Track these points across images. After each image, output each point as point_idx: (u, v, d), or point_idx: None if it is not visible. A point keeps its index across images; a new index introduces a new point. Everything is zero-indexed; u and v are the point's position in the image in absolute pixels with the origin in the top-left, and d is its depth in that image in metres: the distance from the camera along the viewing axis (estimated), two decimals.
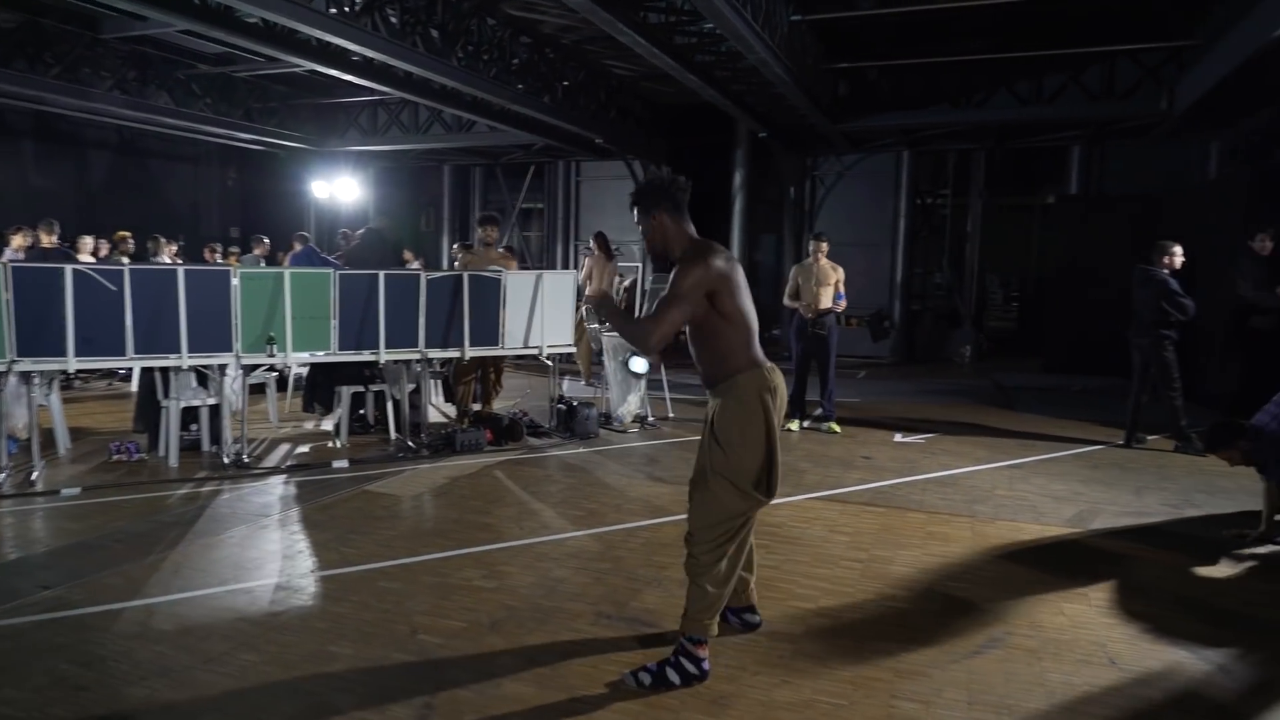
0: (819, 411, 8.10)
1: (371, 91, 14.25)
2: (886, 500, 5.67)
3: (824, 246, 8.02)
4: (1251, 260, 7.65)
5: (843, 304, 7.91)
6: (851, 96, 12.67)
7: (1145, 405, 7.62)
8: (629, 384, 8.07)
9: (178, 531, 4.68)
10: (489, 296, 7.07)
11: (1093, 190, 13.94)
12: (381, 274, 6.55)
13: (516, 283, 7.21)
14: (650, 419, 8.22)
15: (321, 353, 6.48)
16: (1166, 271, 7.17)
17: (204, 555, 4.32)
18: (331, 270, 6.41)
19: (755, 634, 3.54)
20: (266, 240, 12.22)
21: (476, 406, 7.87)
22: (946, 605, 3.91)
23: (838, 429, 8.05)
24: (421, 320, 6.72)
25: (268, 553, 4.40)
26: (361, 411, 7.61)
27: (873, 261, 15.29)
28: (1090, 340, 12.24)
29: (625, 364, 7.90)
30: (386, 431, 7.31)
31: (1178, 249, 7.21)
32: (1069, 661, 3.37)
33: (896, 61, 11.85)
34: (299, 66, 10.82)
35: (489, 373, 7.86)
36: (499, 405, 8.10)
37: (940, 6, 9.50)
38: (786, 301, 8.18)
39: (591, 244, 10.51)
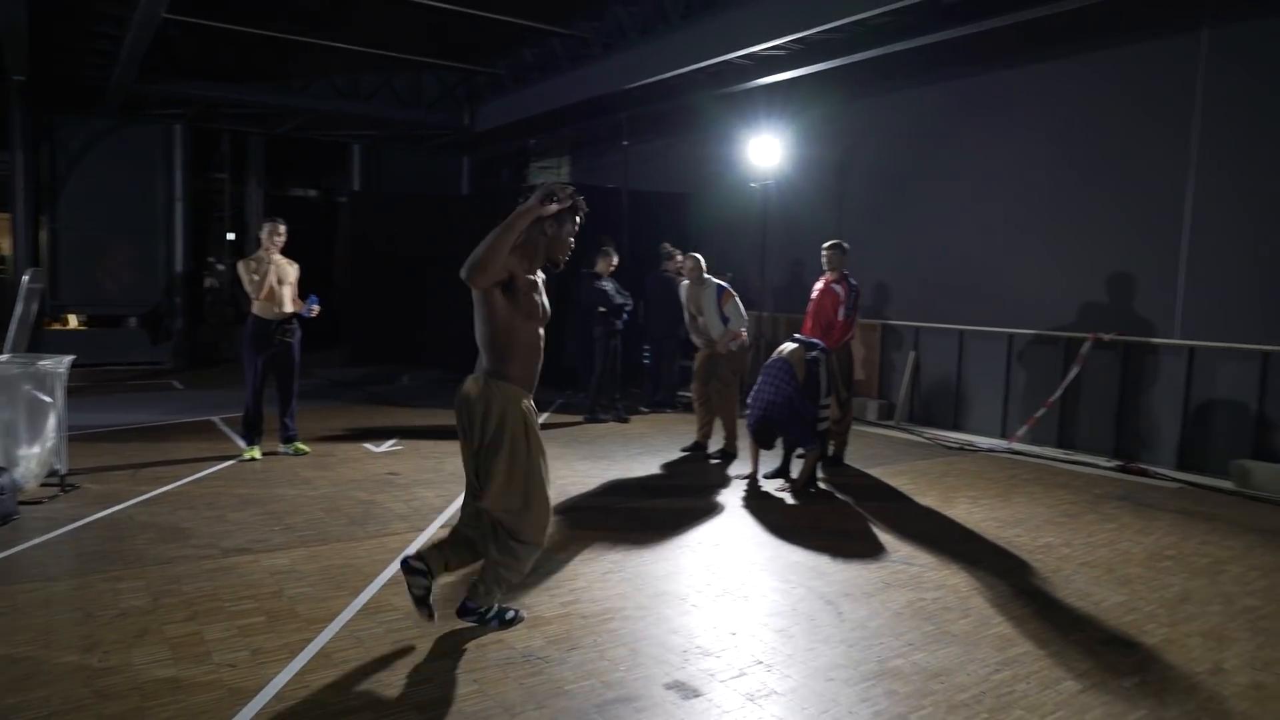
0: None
1: None
2: None
3: (281, 230, 6.79)
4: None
5: (316, 308, 6.82)
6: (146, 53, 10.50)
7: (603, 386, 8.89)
8: (25, 431, 5.46)
9: None
10: None
11: (373, 187, 14.60)
12: None
13: None
14: (66, 477, 5.73)
15: None
16: (602, 275, 8.50)
17: None
18: None
19: None
20: None
21: None
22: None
23: (306, 449, 7.02)
24: None
25: None
26: None
27: (145, 251, 13.02)
28: (389, 330, 13.03)
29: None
30: None
31: (615, 257, 8.61)
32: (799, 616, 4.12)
33: (207, 23, 10.32)
34: None
35: None
36: None
37: None
38: (254, 308, 6.69)
39: None
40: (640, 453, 7.39)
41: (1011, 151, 8.30)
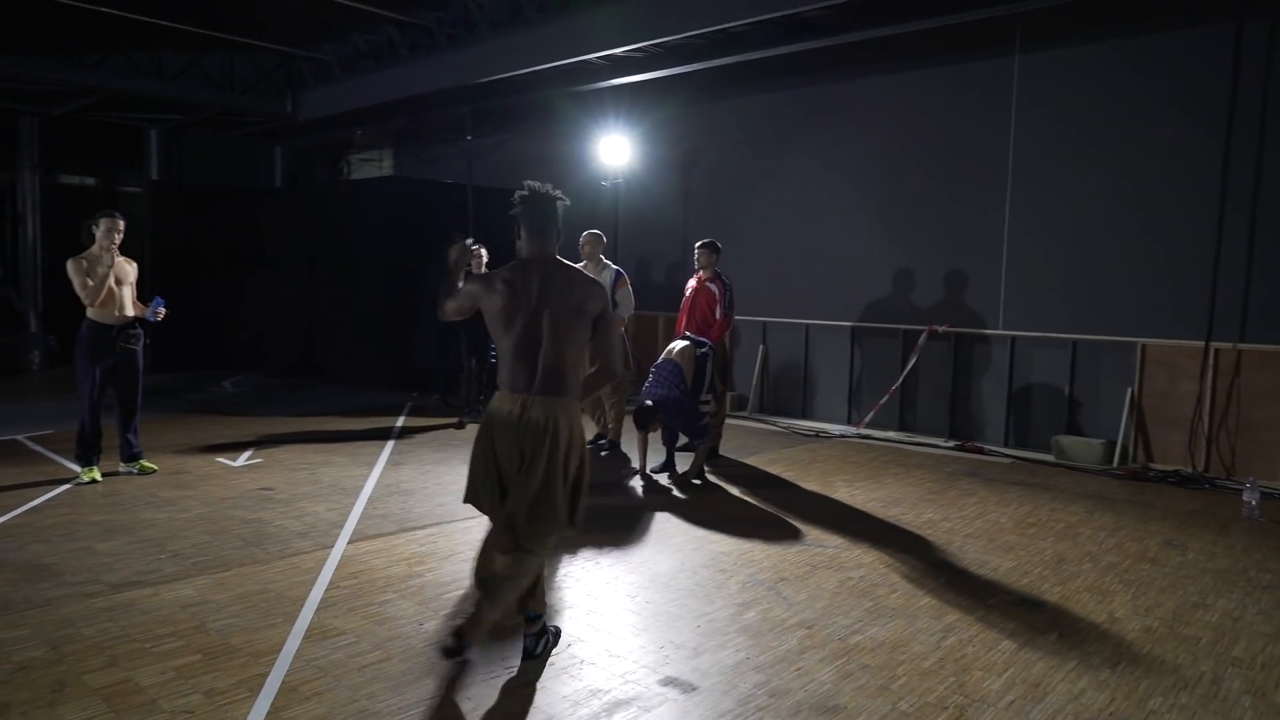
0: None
1: None
2: (418, 521, 5.20)
3: (120, 225, 6.06)
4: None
5: (163, 311, 6.14)
6: None
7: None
8: None
9: None
10: None
11: (171, 177, 13.23)
12: None
13: None
14: None
15: None
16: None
17: None
18: None
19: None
20: None
21: None
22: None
23: (153, 466, 6.34)
24: None
25: None
26: None
27: None
28: (196, 333, 11.98)
29: None
30: None
31: (485, 255, 8.27)
32: (734, 597, 4.36)
33: None
34: None
35: None
36: None
37: None
38: (90, 313, 5.93)
39: None
40: None
41: (852, 157, 8.94)
